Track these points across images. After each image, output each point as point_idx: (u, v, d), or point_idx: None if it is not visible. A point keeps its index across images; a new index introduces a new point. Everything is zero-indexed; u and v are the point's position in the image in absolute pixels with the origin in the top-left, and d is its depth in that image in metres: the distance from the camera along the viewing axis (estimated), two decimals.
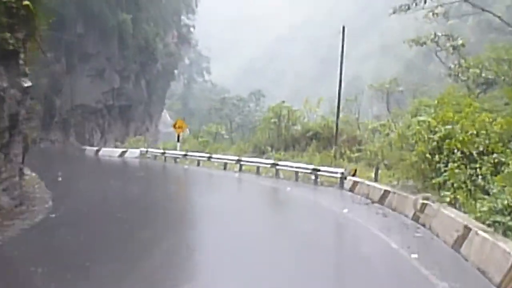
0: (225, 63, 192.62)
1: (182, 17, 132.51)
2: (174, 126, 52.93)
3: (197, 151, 51.82)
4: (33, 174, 36.33)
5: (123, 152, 53.82)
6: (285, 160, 42.91)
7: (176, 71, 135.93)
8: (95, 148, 56.69)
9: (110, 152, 54.68)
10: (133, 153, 53.08)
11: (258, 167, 39.49)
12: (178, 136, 52.53)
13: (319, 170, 34.69)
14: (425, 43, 42.79)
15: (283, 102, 56.11)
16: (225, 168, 42.32)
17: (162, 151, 50.72)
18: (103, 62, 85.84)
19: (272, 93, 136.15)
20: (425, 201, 21.01)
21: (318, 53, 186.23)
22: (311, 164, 38.13)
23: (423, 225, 20.32)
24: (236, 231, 18.75)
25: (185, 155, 46.96)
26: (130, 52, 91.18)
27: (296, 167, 36.44)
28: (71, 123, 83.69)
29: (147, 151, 52.50)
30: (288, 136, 50.39)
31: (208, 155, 44.69)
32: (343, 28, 45.15)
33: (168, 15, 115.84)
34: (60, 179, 34.07)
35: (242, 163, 40.89)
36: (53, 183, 29.80)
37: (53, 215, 19.89)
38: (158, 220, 20.57)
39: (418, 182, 26.24)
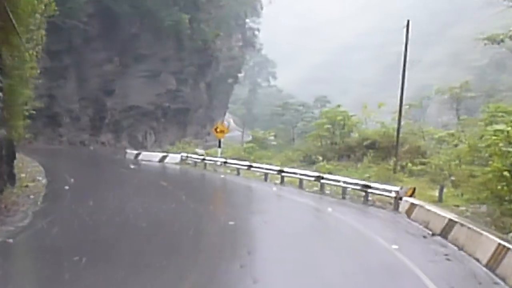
0: (290, 69, 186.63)
1: (247, 20, 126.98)
2: (215, 130, 47.21)
3: (240, 159, 46.24)
4: (43, 181, 31.34)
5: (163, 157, 48.52)
6: (338, 171, 36.61)
7: (240, 75, 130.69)
8: (135, 152, 51.54)
9: (150, 157, 49.44)
10: (173, 159, 47.73)
11: (301, 180, 33.21)
12: (220, 142, 46.79)
13: (369, 187, 28.04)
14: (502, 40, 35.63)
15: (339, 106, 49.65)
16: (265, 179, 36.20)
17: (202, 157, 45.10)
18: (158, 63, 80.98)
19: (337, 100, 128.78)
20: (505, 244, 14.40)
21: (384, 61, 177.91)
22: (365, 177, 31.95)
23: (503, 280, 13.72)
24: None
25: (225, 162, 41.12)
26: (187, 54, 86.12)
27: (344, 182, 29.93)
28: (124, 125, 79.14)
29: (187, 157, 47.03)
30: (343, 144, 43.86)
31: (248, 164, 38.70)
32: (408, 22, 38.75)
33: (231, 17, 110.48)
34: (67, 187, 28.62)
35: (284, 174, 34.62)
36: (54, 192, 24.33)
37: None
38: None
39: (493, 207, 19.68)
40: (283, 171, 34.47)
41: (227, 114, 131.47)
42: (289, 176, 34.11)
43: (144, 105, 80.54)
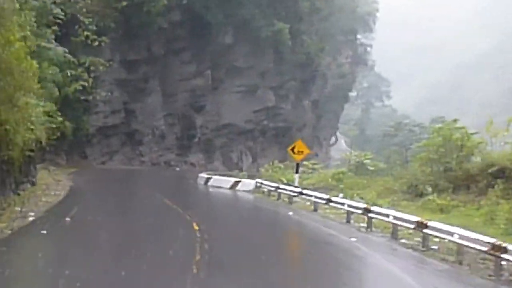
0: (405, 89, 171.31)
1: (358, 36, 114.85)
2: (292, 150, 35.27)
3: (327, 187, 34.82)
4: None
5: (236, 183, 37.60)
6: (453, 209, 24.44)
7: (351, 94, 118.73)
8: (206, 176, 40.84)
9: (221, 182, 38.56)
10: (246, 185, 36.73)
11: (395, 226, 21.39)
12: (297, 166, 34.91)
13: (504, 250, 15.29)
14: None
15: (455, 121, 36.94)
16: (348, 220, 24.32)
17: (276, 185, 33.63)
18: (255, 77, 70.72)
19: None
20: None
21: (506, 82, 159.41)
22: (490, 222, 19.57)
23: None
24: None
25: (300, 193, 29.40)
26: (288, 68, 75.34)
27: (461, 237, 16.49)
28: (216, 145, 69.21)
29: (261, 184, 35.82)
30: (460, 171, 30.82)
31: (326, 197, 26.58)
32: None
33: (340, 31, 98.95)
34: (67, 219, 19.20)
35: (371, 215, 22.79)
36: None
37: None
38: None
39: None
40: (370, 211, 22.22)
41: (337, 134, 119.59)
42: (379, 219, 21.87)
43: (240, 123, 70.39)
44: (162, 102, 61.51)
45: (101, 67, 47.60)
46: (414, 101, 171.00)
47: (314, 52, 78.65)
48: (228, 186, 37.82)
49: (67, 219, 20.78)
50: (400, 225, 20.16)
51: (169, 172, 56.84)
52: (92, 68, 46.70)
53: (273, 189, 33.19)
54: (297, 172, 34.27)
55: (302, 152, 34.31)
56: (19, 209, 22.63)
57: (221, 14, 62.95)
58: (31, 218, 20.69)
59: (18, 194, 26.37)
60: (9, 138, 23.40)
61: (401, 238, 20.37)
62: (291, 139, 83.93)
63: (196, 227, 19.49)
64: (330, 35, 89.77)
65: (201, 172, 53.70)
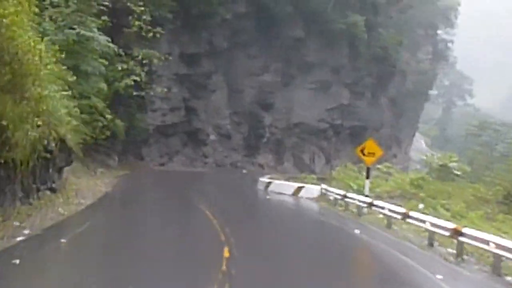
0: (489, 87, 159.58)
1: (439, 31, 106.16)
2: (361, 152, 28.20)
3: (404, 196, 28.20)
4: None
5: (299, 189, 31.28)
6: None
7: (431, 92, 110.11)
8: (267, 180, 34.65)
9: (283, 188, 32.28)
10: (310, 192, 30.41)
11: (498, 257, 13.78)
12: (368, 171, 27.96)
13: None
14: None
15: None
16: (431, 243, 17.21)
17: (343, 192, 27.06)
18: (328, 73, 64.37)
19: None
20: None
21: None
22: None
23: None
24: None
25: (371, 204, 22.61)
26: (363, 63, 68.54)
27: None
28: (286, 145, 63.20)
29: (327, 191, 29.35)
30: None
31: (403, 211, 19.62)
32: None
33: (419, 25, 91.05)
34: (63, 241, 13.82)
35: (462, 239, 16.12)
36: None
37: None
38: None
39: None
40: (461, 233, 15.29)
41: (417, 134, 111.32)
42: (473, 245, 14.93)
43: (312, 121, 64.14)
44: (227, 99, 56.04)
45: (156, 61, 42.38)
46: (499, 100, 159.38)
47: (391, 46, 71.37)
48: (290, 192, 31.63)
49: (63, 240, 15.31)
50: (506, 257, 13.51)
51: (233, 175, 51.32)
52: (145, 61, 41.57)
53: (339, 197, 26.79)
54: (367, 177, 27.40)
55: (373, 154, 27.45)
56: (18, 223, 17.41)
57: (289, 5, 57.06)
58: (20, 238, 15.28)
59: (30, 204, 21.23)
60: (5, 136, 18.25)
61: (507, 275, 13.78)
62: (368, 139, 77.43)
63: (227, 254, 13.56)
64: (409, 29, 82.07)
65: (269, 173, 48.12)
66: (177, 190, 31.75)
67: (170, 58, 45.91)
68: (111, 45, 35.59)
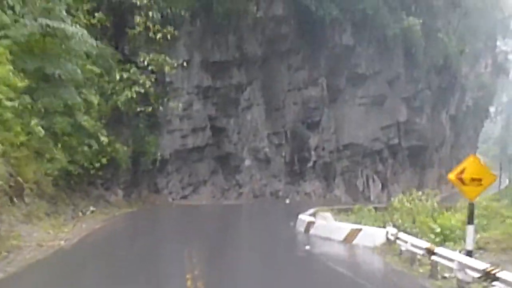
0: None
1: (498, 43, 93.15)
2: (458, 178, 15.45)
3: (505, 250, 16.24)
4: None
5: (354, 233, 19.60)
6: None
7: (491, 109, 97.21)
8: (307, 218, 22.89)
9: (330, 230, 20.49)
10: (370, 237, 18.62)
11: None
12: (472, 209, 15.16)
13: None
14: None
15: None
16: None
17: (425, 244, 15.19)
18: (382, 86, 52.75)
19: None
20: None
21: None
22: None
23: None
24: None
25: (487, 275, 10.65)
26: (422, 73, 56.72)
27: None
28: (337, 170, 51.47)
29: (397, 237, 17.67)
30: None
31: None
32: None
33: (478, 35, 78.44)
34: None
35: None
36: None
37: None
38: None
39: None
40: None
41: (476, 155, 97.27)
42: None
43: (365, 142, 52.40)
44: (265, 118, 44.63)
45: (168, 69, 31.69)
46: None
47: (453, 54, 59.36)
48: (341, 237, 20.12)
49: None
50: None
51: (273, 207, 40.08)
52: (153, 68, 30.95)
53: (420, 251, 14.99)
54: (470, 222, 14.93)
55: (479, 180, 15.26)
56: None
57: (336, 8, 45.91)
58: None
59: None
60: None
61: None
62: (428, 160, 65.12)
63: None
64: (468, 39, 69.55)
65: (316, 204, 36.73)
66: (186, 233, 20.78)
67: (191, 66, 35.33)
68: (96, 43, 25.10)
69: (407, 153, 58.45)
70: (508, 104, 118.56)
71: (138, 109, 30.59)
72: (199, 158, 39.62)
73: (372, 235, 19.45)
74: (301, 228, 23.36)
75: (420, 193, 31.52)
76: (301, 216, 24.57)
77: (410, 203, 29.75)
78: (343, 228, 20.86)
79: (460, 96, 73.34)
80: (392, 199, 48.86)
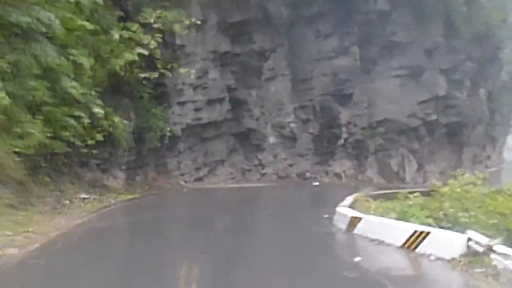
0: None
1: None
2: None
3: None
4: None
5: (417, 237, 13.91)
6: None
7: None
8: (349, 213, 17.24)
9: (382, 229, 15.00)
10: (441, 243, 12.98)
11: None
12: None
13: None
14: None
15: None
16: None
17: None
18: (419, 56, 46.26)
19: None
20: None
21: None
22: None
23: None
24: None
25: None
26: (463, 43, 50.02)
27: None
28: (369, 148, 45.36)
29: (490, 249, 12.02)
30: None
31: None
32: None
33: None
34: None
35: None
36: None
37: None
38: None
39: None
40: None
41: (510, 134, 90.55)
42: None
43: (401, 118, 46.12)
44: (291, 90, 38.58)
45: (178, 28, 25.88)
46: None
47: (496, 23, 52.56)
48: (400, 241, 14.08)
49: None
50: None
51: (300, 191, 34.20)
52: (159, 27, 25.12)
53: None
54: None
55: None
56: None
57: None
58: None
59: None
60: None
61: None
62: (466, 138, 58.50)
63: None
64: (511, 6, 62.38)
65: (350, 187, 30.94)
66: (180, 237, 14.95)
67: (206, 28, 29.37)
68: None
69: (444, 131, 51.92)
70: None
71: (142, 76, 24.78)
72: (216, 135, 33.65)
73: (446, 242, 13.41)
74: (341, 224, 17.40)
75: (468, 175, 25.52)
76: (339, 210, 18.57)
77: (460, 189, 23.74)
78: (402, 228, 14.84)
79: (497, 70, 66.43)
80: (430, 180, 43.10)
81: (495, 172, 59.20)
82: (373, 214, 17.42)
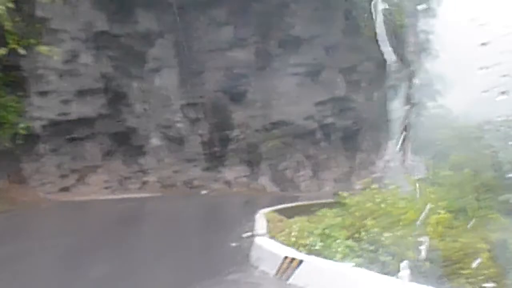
0: (460, 86, 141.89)
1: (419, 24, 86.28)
2: None
3: None
4: None
5: None
6: None
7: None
8: (281, 252, 12.59)
9: (337, 277, 10.80)
10: None
11: None
12: None
13: None
14: None
15: None
16: None
17: None
18: (319, 53, 43.07)
19: None
20: None
21: None
22: None
23: None
24: None
25: None
26: (364, 42, 47.60)
27: None
28: (263, 153, 41.35)
29: None
30: None
31: None
32: None
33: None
34: None
35: None
36: None
37: None
38: None
39: None
40: None
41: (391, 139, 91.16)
42: None
43: (298, 120, 42.73)
44: (179, 84, 33.56)
45: None
46: (464, 101, 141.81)
47: (397, 22, 50.78)
48: None
49: None
50: None
51: (187, 204, 29.16)
52: None
53: None
54: None
55: None
56: None
57: None
58: None
59: None
60: None
61: None
62: (361, 143, 56.34)
63: None
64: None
65: (242, 195, 26.68)
66: None
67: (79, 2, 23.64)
68: None
69: (340, 135, 49.24)
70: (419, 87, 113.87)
71: None
72: (88, 134, 27.90)
73: None
74: (266, 265, 12.46)
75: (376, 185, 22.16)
76: (261, 241, 13.75)
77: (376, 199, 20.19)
78: (364, 278, 10.35)
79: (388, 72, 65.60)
80: (324, 188, 42.12)
81: (378, 178, 57.92)
82: (302, 244, 13.02)
